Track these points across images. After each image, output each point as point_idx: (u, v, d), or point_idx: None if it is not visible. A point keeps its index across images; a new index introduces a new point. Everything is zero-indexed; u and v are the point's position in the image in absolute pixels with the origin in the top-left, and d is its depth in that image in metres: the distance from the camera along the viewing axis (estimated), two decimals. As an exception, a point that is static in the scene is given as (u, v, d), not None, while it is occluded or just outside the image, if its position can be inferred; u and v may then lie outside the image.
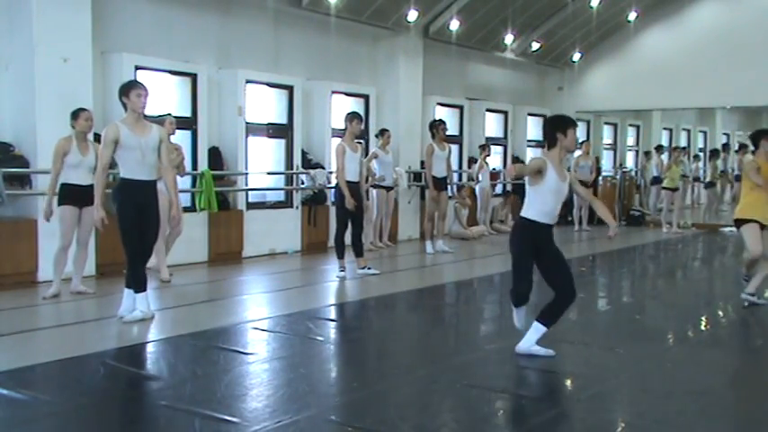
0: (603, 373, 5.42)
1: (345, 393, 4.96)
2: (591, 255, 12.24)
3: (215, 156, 10.63)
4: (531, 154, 17.11)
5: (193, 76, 10.28)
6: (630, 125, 20.74)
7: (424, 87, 13.95)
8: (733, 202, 17.35)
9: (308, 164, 11.75)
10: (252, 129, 11.11)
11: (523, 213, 5.59)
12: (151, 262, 8.76)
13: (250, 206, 11.06)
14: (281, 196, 11.74)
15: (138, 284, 6.55)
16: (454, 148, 13.84)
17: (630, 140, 20.96)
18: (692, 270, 11.71)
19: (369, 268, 9.34)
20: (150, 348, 6.04)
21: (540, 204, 5.50)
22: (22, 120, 8.54)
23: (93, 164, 7.49)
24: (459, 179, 14.81)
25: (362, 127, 10.13)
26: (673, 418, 4.46)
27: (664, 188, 15.32)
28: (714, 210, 17.58)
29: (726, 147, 20.07)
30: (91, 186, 7.48)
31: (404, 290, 8.85)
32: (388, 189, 12.10)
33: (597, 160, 15.94)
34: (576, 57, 17.47)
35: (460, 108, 15.10)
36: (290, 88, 11.55)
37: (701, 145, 24.17)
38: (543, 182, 5.43)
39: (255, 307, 7.84)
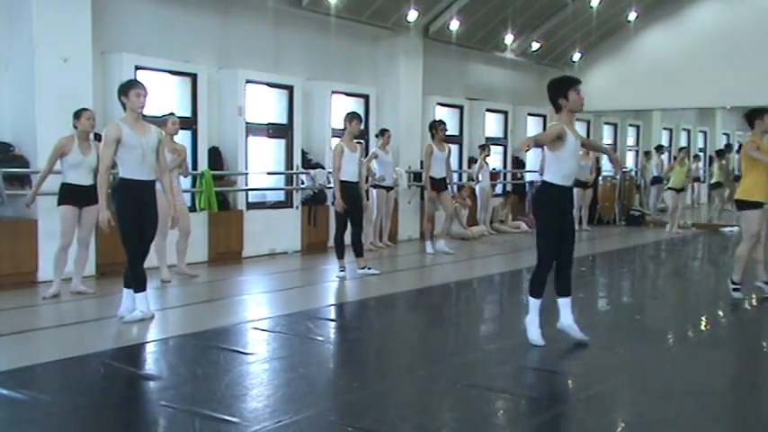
0: (603, 373, 5.42)
1: (345, 393, 4.95)
2: (591, 255, 12.23)
3: (215, 156, 10.64)
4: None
5: (193, 76, 10.28)
6: (630, 125, 20.75)
7: (424, 87, 13.96)
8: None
9: (308, 164, 11.76)
10: (252, 129, 11.11)
11: (547, 179, 5.74)
12: (172, 259, 8.83)
13: (250, 206, 11.06)
14: (281, 196, 11.75)
15: (138, 284, 6.54)
16: (454, 148, 13.84)
17: (630, 140, 20.97)
18: (692, 270, 11.71)
19: (369, 268, 9.34)
20: (150, 348, 6.03)
21: (563, 168, 5.65)
22: (22, 120, 8.54)
23: (94, 164, 7.49)
24: (460, 179, 14.81)
25: (362, 127, 10.12)
26: (673, 418, 4.46)
27: (669, 188, 15.31)
28: (718, 211, 17.52)
29: (730, 147, 20.03)
30: (91, 186, 7.50)
31: (404, 290, 8.85)
32: (388, 189, 12.10)
33: (597, 160, 15.93)
34: (576, 57, 17.46)
35: (460, 108, 15.10)
36: (290, 88, 11.56)
37: (701, 145, 24.17)
38: (564, 146, 5.59)
39: (255, 307, 7.84)
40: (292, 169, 11.61)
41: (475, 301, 8.85)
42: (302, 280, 9.69)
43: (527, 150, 5.57)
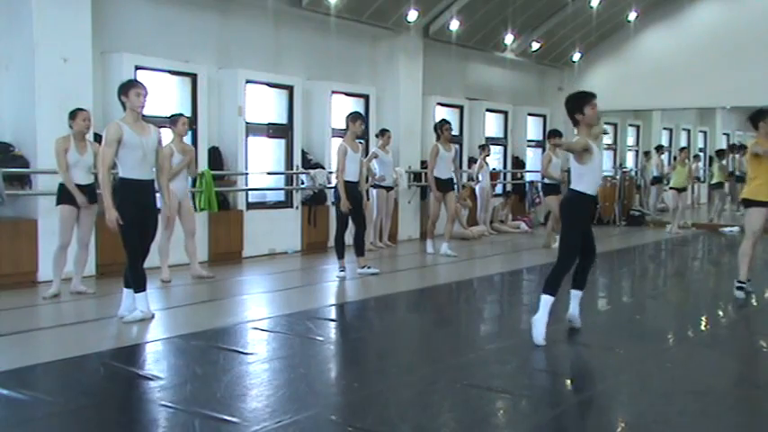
0: (603, 373, 5.42)
1: (345, 393, 4.96)
2: (591, 255, 12.21)
3: (215, 156, 10.64)
4: (530, 154, 17.17)
5: (193, 76, 10.28)
6: (630, 125, 20.73)
7: (424, 87, 13.95)
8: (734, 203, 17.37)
9: (308, 164, 11.75)
10: (252, 129, 11.11)
11: (576, 188, 5.98)
12: (173, 260, 8.83)
13: (250, 206, 11.06)
14: (280, 196, 11.75)
15: (138, 284, 6.55)
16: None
17: (630, 140, 20.96)
18: (692, 270, 11.71)
19: (369, 268, 9.34)
20: (150, 348, 6.03)
21: (591, 178, 5.95)
22: (22, 120, 8.53)
23: (90, 163, 7.50)
24: (459, 179, 14.80)
25: (364, 127, 10.12)
26: (673, 418, 4.46)
27: (671, 188, 15.30)
28: (718, 211, 17.51)
29: (732, 147, 19.98)
30: (89, 186, 7.52)
31: (404, 290, 8.85)
32: (389, 189, 12.09)
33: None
34: (576, 57, 17.46)
35: (460, 108, 15.10)
36: (290, 88, 11.55)
37: (701, 145, 24.15)
38: (592, 158, 5.86)
39: (255, 307, 7.84)
40: (292, 169, 11.61)
41: (475, 301, 8.85)
42: (302, 280, 9.69)
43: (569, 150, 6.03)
